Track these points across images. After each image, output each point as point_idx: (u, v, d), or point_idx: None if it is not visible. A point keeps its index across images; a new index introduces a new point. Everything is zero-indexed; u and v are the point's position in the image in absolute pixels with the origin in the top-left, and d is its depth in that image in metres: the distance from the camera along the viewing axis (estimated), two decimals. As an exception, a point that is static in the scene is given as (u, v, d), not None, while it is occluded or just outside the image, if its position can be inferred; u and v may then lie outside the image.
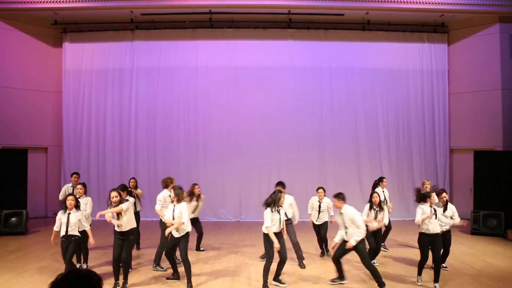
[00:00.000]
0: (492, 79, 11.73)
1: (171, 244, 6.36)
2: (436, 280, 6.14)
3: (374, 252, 7.16)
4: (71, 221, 6.07)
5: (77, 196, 6.68)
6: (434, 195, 6.57)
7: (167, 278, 6.55)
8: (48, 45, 12.58)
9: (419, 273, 6.36)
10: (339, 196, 6.29)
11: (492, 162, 10.55)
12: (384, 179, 8.78)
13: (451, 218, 6.80)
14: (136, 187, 8.47)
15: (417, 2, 11.08)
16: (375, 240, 7.16)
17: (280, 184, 7.43)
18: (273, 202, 6.10)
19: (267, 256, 6.19)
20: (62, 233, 6.09)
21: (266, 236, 6.10)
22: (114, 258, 6.07)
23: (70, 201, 6.11)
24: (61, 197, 8.53)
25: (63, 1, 10.99)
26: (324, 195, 7.92)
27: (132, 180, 8.46)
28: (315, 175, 12.25)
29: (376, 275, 5.98)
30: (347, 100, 12.47)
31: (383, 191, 8.50)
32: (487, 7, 11.22)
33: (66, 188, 8.52)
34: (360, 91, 12.49)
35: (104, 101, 12.49)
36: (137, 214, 7.68)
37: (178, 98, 12.43)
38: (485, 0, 11.14)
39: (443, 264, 6.92)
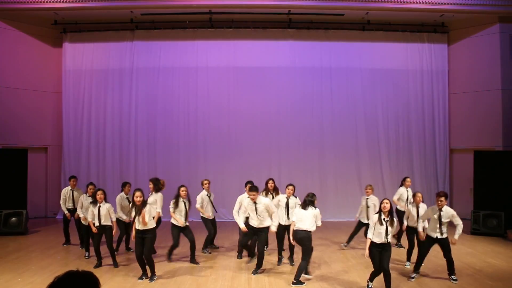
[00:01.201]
0: (492, 79, 11.73)
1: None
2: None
3: (375, 274, 5.97)
4: (102, 213, 7.03)
5: (98, 204, 7.12)
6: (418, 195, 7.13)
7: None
8: (48, 45, 12.58)
9: (408, 259, 7.31)
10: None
11: (492, 162, 10.55)
12: (407, 178, 8.64)
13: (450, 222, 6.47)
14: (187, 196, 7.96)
15: (417, 2, 11.08)
16: (382, 261, 5.79)
17: (249, 183, 7.79)
18: (311, 202, 6.49)
19: (309, 254, 6.45)
20: (96, 223, 7.06)
21: (310, 235, 6.38)
22: (137, 255, 6.45)
23: (100, 195, 7.05)
24: (62, 202, 8.70)
25: (63, 1, 10.99)
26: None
27: (182, 189, 7.37)
28: (315, 175, 12.28)
29: (259, 259, 6.71)
30: (347, 100, 12.48)
31: (407, 191, 8.48)
32: (487, 7, 11.22)
33: (66, 191, 8.74)
34: (360, 91, 12.50)
35: (104, 101, 12.50)
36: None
37: (178, 98, 12.44)
38: (485, 0, 11.15)
39: (452, 276, 6.40)
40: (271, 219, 6.78)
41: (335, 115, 12.44)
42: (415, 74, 12.65)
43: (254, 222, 6.73)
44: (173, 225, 7.29)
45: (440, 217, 6.38)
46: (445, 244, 6.41)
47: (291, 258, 7.43)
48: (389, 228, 5.76)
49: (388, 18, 12.26)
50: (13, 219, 9.95)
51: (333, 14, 11.86)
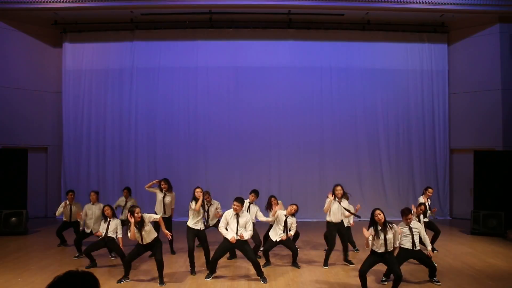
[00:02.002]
0: (492, 79, 11.72)
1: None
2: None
3: (362, 278, 5.80)
4: (110, 227, 7.03)
5: (109, 219, 7.12)
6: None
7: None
8: (48, 45, 12.58)
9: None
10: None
11: (492, 162, 10.54)
12: (429, 189, 8.36)
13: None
14: (210, 201, 8.42)
15: (417, 2, 11.07)
16: (390, 265, 5.84)
17: (254, 192, 7.87)
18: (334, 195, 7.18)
19: (330, 244, 7.24)
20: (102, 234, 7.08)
21: (328, 224, 7.25)
22: (127, 259, 6.42)
23: (107, 211, 7.06)
24: (57, 213, 8.75)
25: (63, 1, 10.98)
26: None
27: (198, 190, 7.10)
28: (314, 175, 12.27)
29: (257, 267, 6.44)
30: (347, 100, 12.47)
31: (427, 201, 8.23)
32: (487, 7, 11.21)
33: (64, 205, 8.70)
34: (360, 91, 12.49)
35: (104, 101, 12.49)
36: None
37: (178, 98, 12.43)
38: (485, 0, 11.14)
39: (435, 279, 6.35)
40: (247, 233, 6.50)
41: (335, 114, 12.43)
42: (415, 74, 12.65)
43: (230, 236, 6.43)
44: (189, 228, 6.93)
45: (411, 231, 6.21)
46: (421, 256, 6.31)
47: (295, 262, 7.35)
48: (388, 237, 5.65)
49: (388, 18, 12.25)
50: (13, 219, 9.95)
51: (333, 14, 11.85)
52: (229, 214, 6.57)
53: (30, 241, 9.32)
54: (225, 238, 6.51)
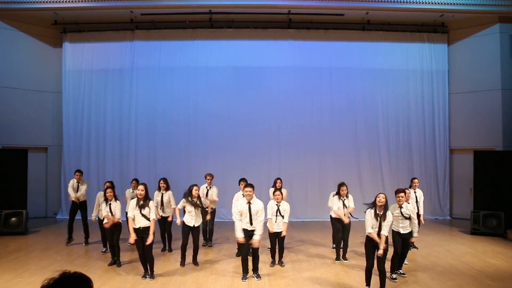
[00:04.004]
0: (492, 79, 11.73)
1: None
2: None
3: (369, 273, 5.92)
4: (112, 209, 7.17)
5: (109, 201, 7.29)
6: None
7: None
8: (48, 45, 12.58)
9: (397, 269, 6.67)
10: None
11: (492, 162, 10.55)
12: (415, 179, 8.51)
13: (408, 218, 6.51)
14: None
15: (417, 2, 11.07)
16: (377, 260, 5.79)
17: (243, 180, 7.98)
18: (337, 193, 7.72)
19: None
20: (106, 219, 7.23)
21: (331, 220, 7.91)
22: (140, 254, 6.55)
23: (109, 193, 7.22)
24: (70, 190, 8.96)
25: (63, 1, 10.99)
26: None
27: (195, 188, 7.26)
28: (314, 175, 12.27)
29: (257, 262, 6.58)
30: (347, 100, 12.47)
31: (415, 192, 8.30)
32: (487, 7, 11.22)
33: (72, 183, 9.00)
34: (360, 91, 12.50)
35: (104, 101, 12.50)
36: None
37: (178, 98, 12.44)
38: (485, 0, 11.14)
39: (392, 275, 6.47)
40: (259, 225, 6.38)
41: (335, 115, 12.43)
42: (415, 74, 12.65)
43: (247, 226, 6.40)
44: (184, 224, 7.19)
45: (401, 213, 6.47)
46: (406, 240, 6.58)
47: (280, 260, 7.38)
48: (383, 223, 5.71)
49: (388, 18, 12.25)
50: (13, 219, 9.95)
51: (333, 14, 11.85)
52: (240, 202, 6.53)
53: (30, 241, 9.31)
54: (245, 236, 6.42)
